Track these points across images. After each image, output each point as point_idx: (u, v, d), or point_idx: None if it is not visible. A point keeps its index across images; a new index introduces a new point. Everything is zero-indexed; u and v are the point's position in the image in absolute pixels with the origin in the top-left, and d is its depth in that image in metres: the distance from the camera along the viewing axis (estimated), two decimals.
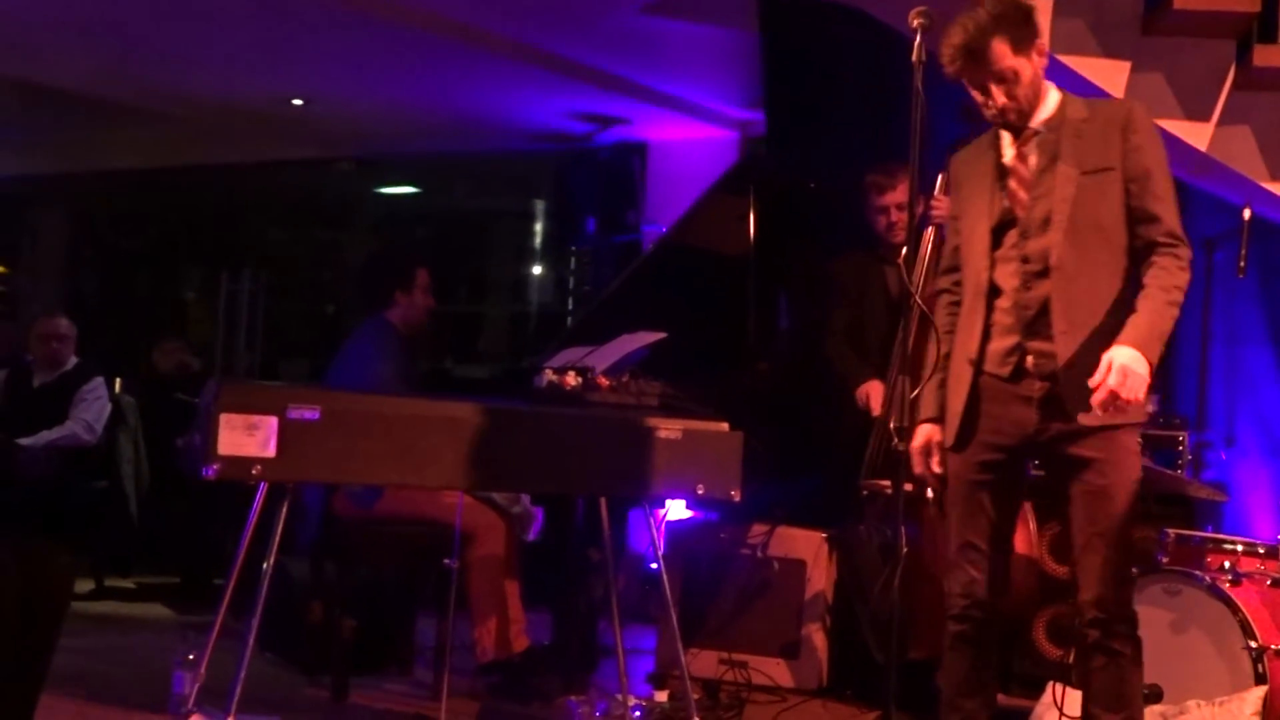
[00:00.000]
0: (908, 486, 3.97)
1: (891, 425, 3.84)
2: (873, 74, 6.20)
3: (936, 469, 3.75)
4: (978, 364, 3.61)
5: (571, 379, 4.67)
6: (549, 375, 4.74)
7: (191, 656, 4.07)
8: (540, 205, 11.78)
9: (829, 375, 5.39)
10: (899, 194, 5.20)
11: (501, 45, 7.27)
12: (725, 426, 4.28)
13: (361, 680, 5.11)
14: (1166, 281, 3.47)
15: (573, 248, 10.21)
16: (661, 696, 4.94)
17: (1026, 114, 3.58)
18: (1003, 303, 3.60)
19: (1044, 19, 4.80)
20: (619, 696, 4.50)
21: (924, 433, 3.75)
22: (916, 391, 3.62)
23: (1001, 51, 3.48)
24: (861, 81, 6.34)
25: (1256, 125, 4.98)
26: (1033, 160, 3.59)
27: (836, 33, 6.21)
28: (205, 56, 7.86)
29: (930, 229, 4.97)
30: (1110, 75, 4.84)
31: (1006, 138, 3.65)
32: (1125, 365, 3.33)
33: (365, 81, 8.31)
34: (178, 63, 8.03)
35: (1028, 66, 3.53)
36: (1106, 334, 3.46)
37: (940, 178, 5.02)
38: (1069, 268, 3.50)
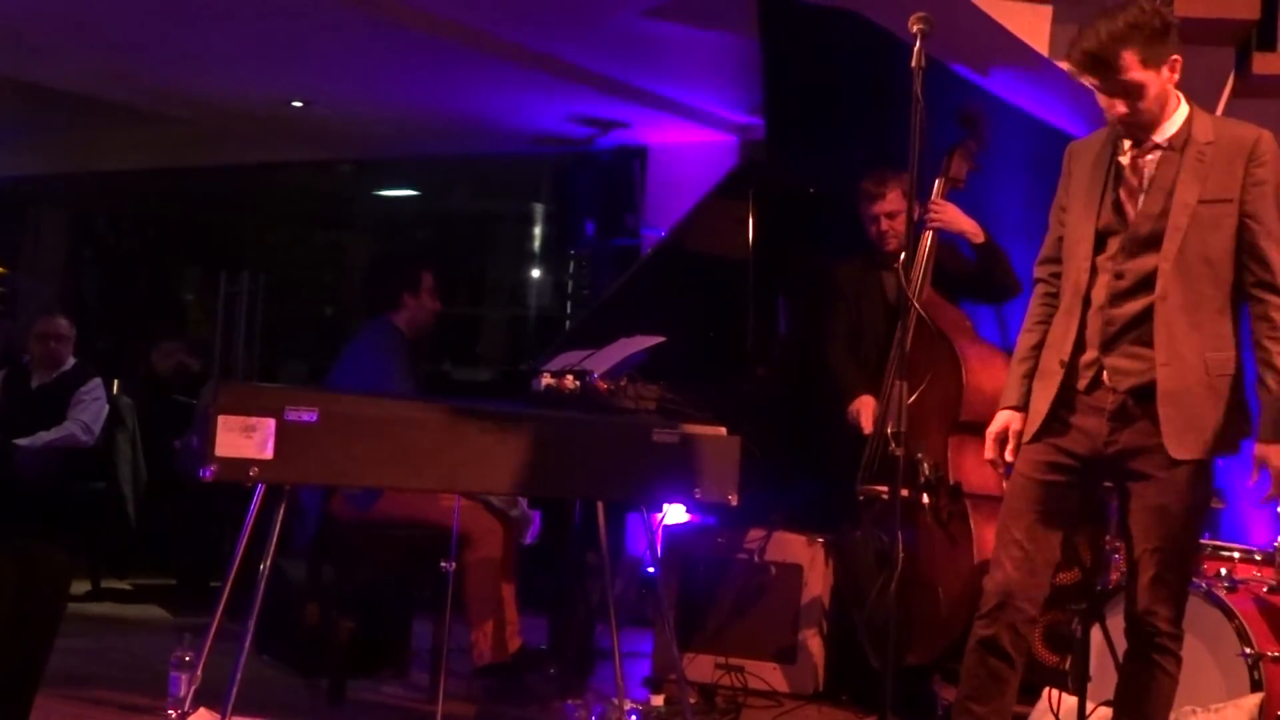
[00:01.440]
0: (904, 492, 3.98)
1: (889, 430, 3.83)
2: (872, 79, 6.21)
3: (1010, 457, 3.68)
4: (1069, 368, 3.55)
5: (570, 382, 4.68)
6: (547, 378, 4.75)
7: (188, 658, 4.07)
8: (539, 208, 11.80)
9: (828, 381, 5.39)
10: (888, 203, 5.21)
11: (502, 48, 7.27)
12: (723, 431, 4.29)
13: (358, 682, 5.12)
14: None
15: (572, 251, 10.21)
16: (658, 700, 4.94)
17: (1147, 128, 3.48)
18: (1090, 314, 3.54)
19: (1043, 25, 4.82)
20: (615, 700, 4.49)
21: (1003, 419, 3.69)
22: (913, 396, 3.61)
23: (1130, 63, 3.37)
24: (861, 86, 6.35)
25: None
26: (1148, 173, 3.50)
27: (836, 38, 6.21)
28: (206, 58, 7.86)
29: (927, 233, 4.97)
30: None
31: (1126, 142, 3.55)
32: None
33: (365, 83, 8.31)
34: (178, 64, 8.03)
35: (1155, 81, 3.42)
36: (1205, 370, 3.44)
37: (937, 183, 5.03)
38: (1174, 299, 3.43)
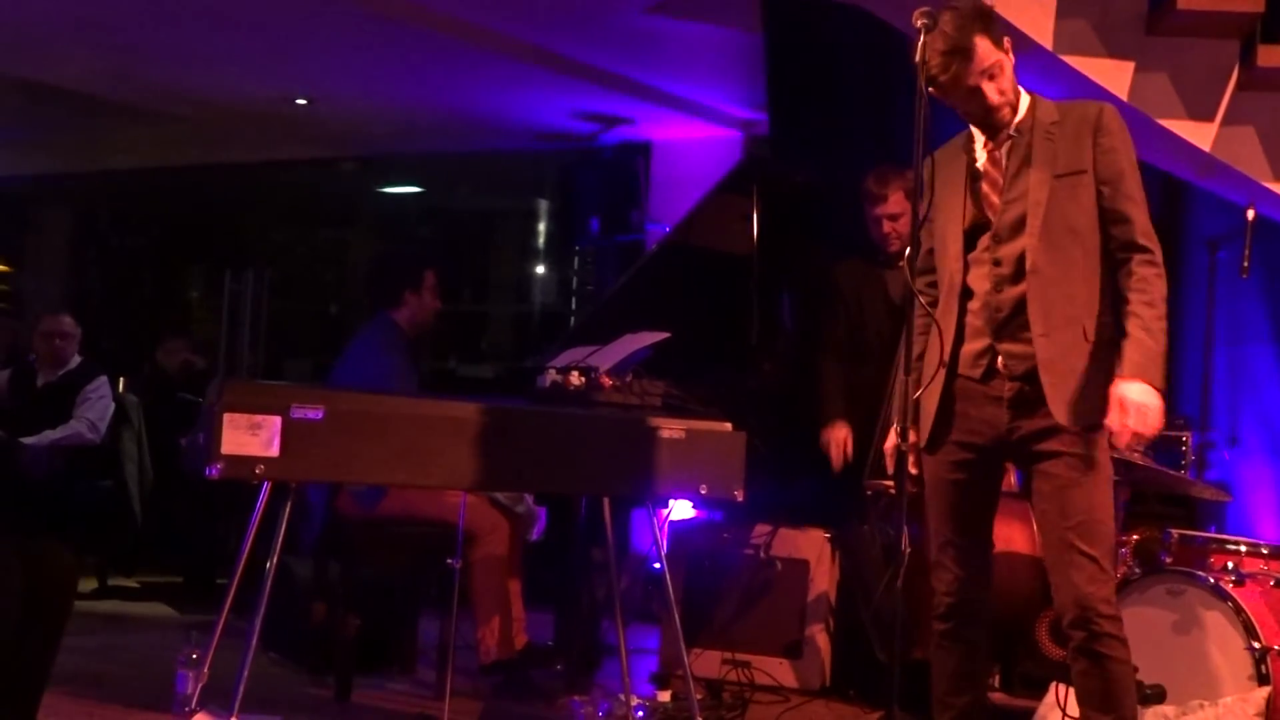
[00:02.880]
0: (911, 487, 3.98)
1: (895, 425, 3.84)
2: (876, 74, 6.20)
3: (913, 470, 3.74)
4: (951, 366, 3.62)
5: (575, 379, 4.68)
6: (552, 375, 4.75)
7: (195, 655, 4.07)
8: (544, 205, 11.78)
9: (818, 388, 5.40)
10: (891, 205, 5.22)
11: (505, 45, 7.27)
12: (728, 426, 4.28)
13: (364, 680, 5.12)
14: (1151, 295, 3.49)
15: (576, 247, 10.19)
16: (664, 696, 4.95)
17: (1014, 109, 3.59)
18: (974, 305, 3.62)
19: (1047, 19, 4.81)
20: (622, 696, 4.50)
21: (895, 434, 3.74)
22: (920, 391, 3.62)
23: (986, 48, 3.50)
24: (865, 81, 6.34)
25: (1260, 125, 4.97)
26: (1004, 163, 3.60)
27: (840, 33, 6.21)
28: (209, 56, 7.86)
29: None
30: (1114, 75, 4.84)
31: (979, 141, 3.66)
32: (1139, 402, 3.38)
33: (369, 81, 8.31)
34: (182, 62, 8.03)
35: (1006, 62, 3.56)
36: (1085, 335, 3.51)
37: None
38: (1045, 271, 3.51)
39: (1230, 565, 4.64)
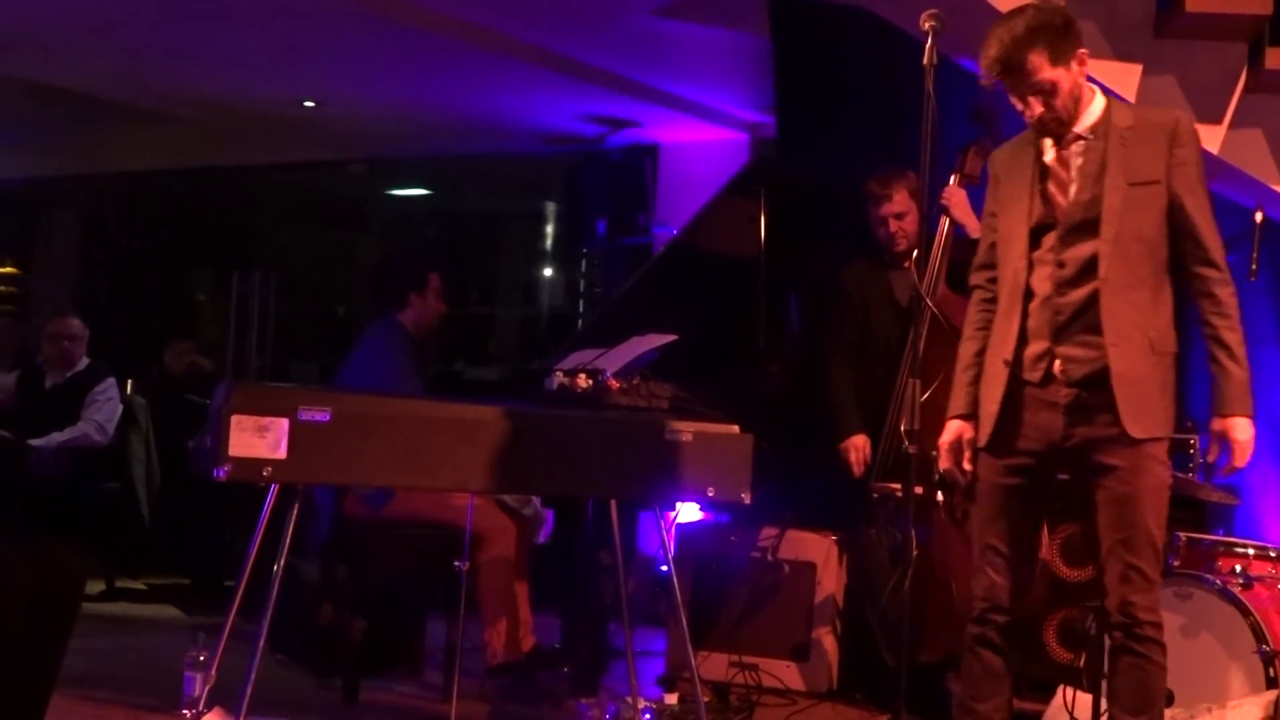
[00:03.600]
0: (918, 489, 3.97)
1: (903, 428, 3.83)
2: (884, 76, 6.20)
3: (967, 466, 3.73)
4: (1014, 366, 3.59)
5: (582, 381, 4.67)
6: (560, 377, 4.74)
7: (202, 657, 4.08)
8: (551, 207, 11.78)
9: (824, 401, 5.40)
10: (896, 204, 5.21)
11: (513, 47, 7.27)
12: (736, 429, 4.28)
13: (371, 682, 5.12)
14: (1232, 319, 3.55)
15: (584, 250, 10.20)
16: (671, 699, 4.94)
17: (1066, 123, 3.55)
18: (1034, 306, 3.59)
19: None
20: (629, 699, 4.49)
21: (954, 429, 3.74)
22: (927, 394, 3.61)
23: (1039, 64, 3.45)
24: (873, 84, 6.34)
25: (1268, 128, 4.97)
26: (1075, 165, 3.57)
27: (847, 35, 6.21)
28: (217, 58, 7.87)
29: (944, 219, 4.97)
30: (1122, 77, 4.83)
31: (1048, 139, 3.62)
32: (1243, 441, 3.51)
33: (376, 83, 8.32)
34: (189, 64, 8.04)
35: (1066, 77, 3.49)
36: (1152, 345, 3.51)
37: (952, 179, 5.02)
38: (1115, 280, 3.49)
39: (1238, 568, 4.63)
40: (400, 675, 5.41)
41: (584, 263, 10.50)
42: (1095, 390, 3.50)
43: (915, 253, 4.03)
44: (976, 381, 3.72)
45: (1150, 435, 3.49)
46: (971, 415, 3.72)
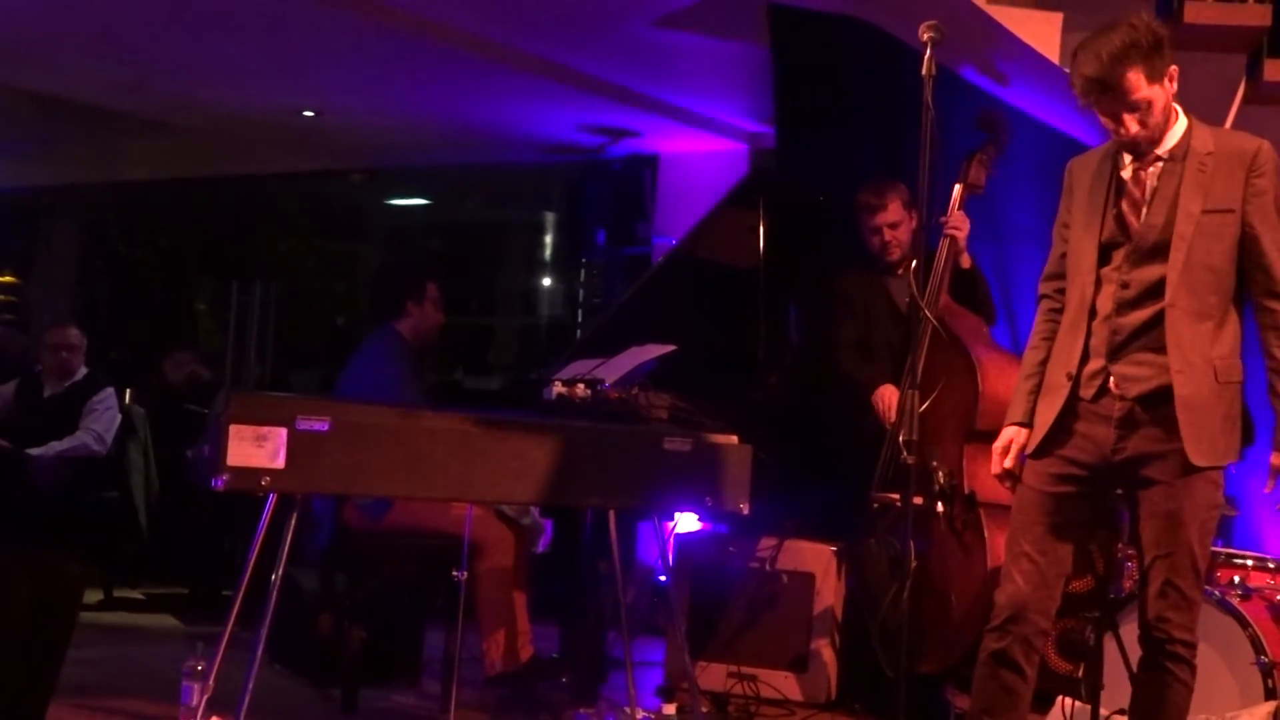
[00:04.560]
0: (917, 500, 3.97)
1: (901, 439, 3.83)
2: (883, 87, 6.21)
3: (1009, 464, 3.70)
4: (1075, 380, 3.57)
5: (581, 391, 4.67)
6: (559, 387, 4.75)
7: (200, 667, 4.07)
8: (551, 217, 11.80)
9: (838, 388, 5.39)
10: (890, 214, 5.23)
11: (513, 58, 7.28)
12: (735, 439, 4.28)
13: (370, 691, 5.12)
14: None
15: (583, 260, 10.21)
16: (670, 709, 4.93)
17: (1157, 143, 3.52)
18: (1096, 324, 3.56)
19: (1054, 32, 4.81)
20: (627, 709, 4.49)
21: (1008, 434, 3.72)
22: (925, 404, 3.61)
23: (1136, 82, 3.41)
24: (872, 95, 6.35)
25: (1267, 139, 4.95)
26: (1150, 185, 3.53)
27: (847, 46, 6.21)
28: (217, 68, 7.88)
29: (945, 239, 4.97)
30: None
31: (1127, 155, 3.58)
32: None
33: (377, 93, 8.32)
34: (189, 74, 8.05)
35: (1161, 95, 3.46)
36: (1214, 375, 3.49)
37: (956, 188, 5.03)
38: (1182, 305, 3.46)
39: (1237, 580, 4.63)
40: (399, 685, 5.41)
41: (583, 273, 10.51)
42: (1151, 407, 3.48)
43: (915, 263, 4.03)
44: (1036, 391, 3.68)
45: (1211, 464, 3.47)
46: (1028, 423, 3.68)
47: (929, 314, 4.18)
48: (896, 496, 4.87)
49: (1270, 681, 4.31)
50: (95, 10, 6.92)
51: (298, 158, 10.45)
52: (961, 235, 4.99)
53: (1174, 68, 3.48)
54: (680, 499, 4.28)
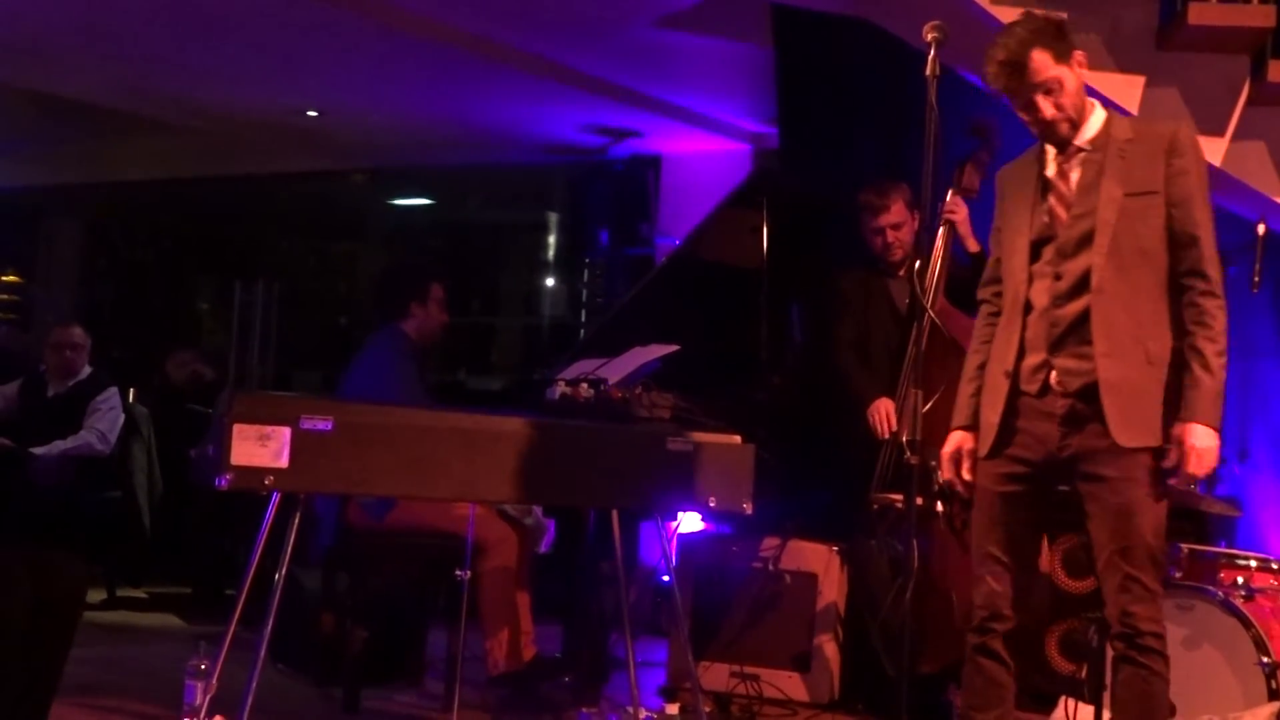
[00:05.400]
0: (919, 500, 3.97)
1: (903, 438, 3.84)
2: (886, 88, 6.21)
3: (967, 476, 3.77)
4: (1014, 377, 3.63)
5: (584, 391, 4.67)
6: (561, 387, 4.75)
7: (203, 666, 4.07)
8: (554, 218, 11.78)
9: (839, 388, 5.39)
10: (892, 214, 5.24)
11: (515, 58, 7.28)
12: (738, 439, 4.28)
13: (372, 691, 5.12)
14: (1213, 330, 3.50)
15: (586, 260, 10.20)
16: (673, 709, 4.94)
17: (1076, 125, 3.60)
18: (1032, 318, 3.62)
19: None
20: (630, 709, 4.49)
21: (955, 439, 3.79)
22: (929, 404, 3.62)
23: (1043, 62, 3.52)
24: (875, 95, 6.35)
25: (1271, 140, 4.97)
26: (1075, 177, 3.61)
27: (850, 46, 6.21)
28: (220, 68, 7.89)
29: (943, 227, 4.96)
30: (1125, 90, 4.84)
31: (1050, 152, 3.66)
32: (1200, 449, 3.43)
33: (379, 93, 8.33)
34: (192, 74, 8.06)
35: (1071, 76, 3.56)
36: (1147, 357, 3.51)
37: (949, 194, 5.02)
38: (1110, 290, 3.52)
39: (1240, 580, 4.63)
40: (401, 685, 5.41)
41: (586, 273, 10.50)
42: (1090, 401, 3.53)
43: (918, 263, 4.03)
44: (979, 394, 3.76)
45: (1140, 445, 3.49)
46: (973, 427, 3.76)
47: (931, 314, 4.18)
48: (897, 497, 4.87)
49: (1274, 682, 4.32)
50: (97, 11, 6.93)
51: (300, 158, 10.46)
52: (959, 218, 4.97)
53: (1080, 53, 3.60)
54: (683, 499, 4.28)
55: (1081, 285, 3.55)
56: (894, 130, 6.17)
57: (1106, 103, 4.71)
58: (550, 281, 12.19)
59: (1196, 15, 4.70)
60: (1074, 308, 3.55)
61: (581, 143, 8.98)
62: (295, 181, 11.67)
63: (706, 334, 5.78)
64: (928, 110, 3.64)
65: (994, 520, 3.68)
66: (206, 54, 7.59)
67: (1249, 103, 4.92)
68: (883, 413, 5.12)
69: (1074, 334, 3.55)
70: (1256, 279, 5.17)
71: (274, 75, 8.03)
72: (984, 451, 3.68)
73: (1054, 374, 3.57)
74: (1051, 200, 3.63)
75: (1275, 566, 4.70)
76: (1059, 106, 3.56)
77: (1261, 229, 5.12)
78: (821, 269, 5.89)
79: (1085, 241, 3.55)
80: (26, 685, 3.46)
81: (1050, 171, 3.65)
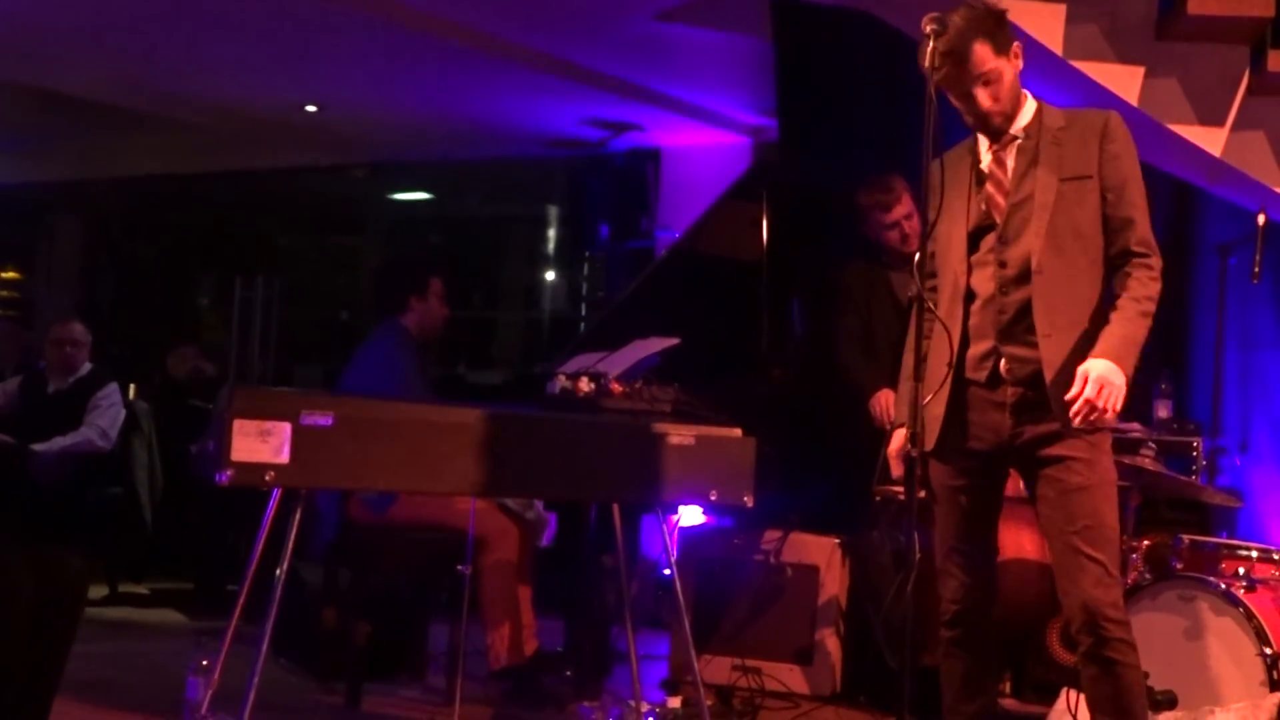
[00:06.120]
0: (920, 492, 3.97)
1: (904, 429, 3.83)
2: (886, 80, 6.21)
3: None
4: (957, 369, 3.63)
5: (585, 385, 4.67)
6: (562, 381, 4.75)
7: (205, 662, 4.07)
8: (554, 211, 11.79)
9: (840, 381, 5.39)
10: (904, 206, 5.23)
11: (515, 52, 7.28)
12: (738, 432, 4.28)
13: (374, 686, 5.12)
14: (1139, 293, 3.51)
15: (586, 254, 10.22)
16: (675, 703, 4.94)
17: (1010, 117, 3.62)
18: (976, 306, 3.63)
19: (1057, 24, 4.80)
20: (632, 703, 4.49)
21: (900, 437, 3.73)
22: (930, 397, 3.61)
23: (984, 54, 3.53)
24: (875, 87, 6.34)
25: (1271, 130, 4.97)
26: (1010, 166, 3.63)
27: (849, 38, 6.21)
28: (220, 63, 7.88)
29: None
30: (1124, 80, 4.83)
31: (984, 143, 3.69)
32: (1101, 376, 3.39)
33: (379, 88, 8.33)
34: (193, 69, 8.06)
35: (1009, 68, 3.58)
36: (1088, 339, 3.51)
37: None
38: (1049, 273, 3.53)
39: (1241, 571, 4.63)
40: (403, 679, 5.42)
41: (586, 267, 10.51)
42: (1039, 388, 3.52)
43: (916, 255, 4.02)
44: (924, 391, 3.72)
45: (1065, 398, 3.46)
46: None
47: (931, 307, 4.17)
48: (899, 489, 4.86)
49: (1275, 673, 4.31)
50: (98, 6, 6.93)
51: (300, 153, 10.46)
52: None
53: (1018, 44, 3.60)
54: (684, 492, 4.28)
55: (1026, 272, 3.55)
56: (893, 122, 6.17)
57: (1106, 94, 4.73)
58: (550, 275, 12.20)
59: (1196, 5, 4.69)
60: (1021, 294, 3.55)
61: (581, 136, 8.98)
62: (296, 176, 11.67)
63: (707, 327, 5.78)
64: (926, 102, 3.64)
65: (954, 515, 3.70)
66: (207, 50, 7.59)
67: (1249, 93, 4.91)
68: (883, 404, 5.13)
69: (1022, 321, 3.55)
70: (1257, 269, 5.17)
71: (274, 70, 8.03)
72: (930, 447, 3.64)
73: (1003, 362, 3.58)
74: (989, 188, 3.64)
75: (1276, 557, 4.69)
76: (996, 98, 3.57)
77: (1261, 219, 5.11)
78: (822, 261, 5.90)
79: (1025, 227, 3.57)
80: (28, 681, 3.46)
81: (985, 162, 3.67)
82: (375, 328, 5.55)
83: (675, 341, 4.98)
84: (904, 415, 3.74)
